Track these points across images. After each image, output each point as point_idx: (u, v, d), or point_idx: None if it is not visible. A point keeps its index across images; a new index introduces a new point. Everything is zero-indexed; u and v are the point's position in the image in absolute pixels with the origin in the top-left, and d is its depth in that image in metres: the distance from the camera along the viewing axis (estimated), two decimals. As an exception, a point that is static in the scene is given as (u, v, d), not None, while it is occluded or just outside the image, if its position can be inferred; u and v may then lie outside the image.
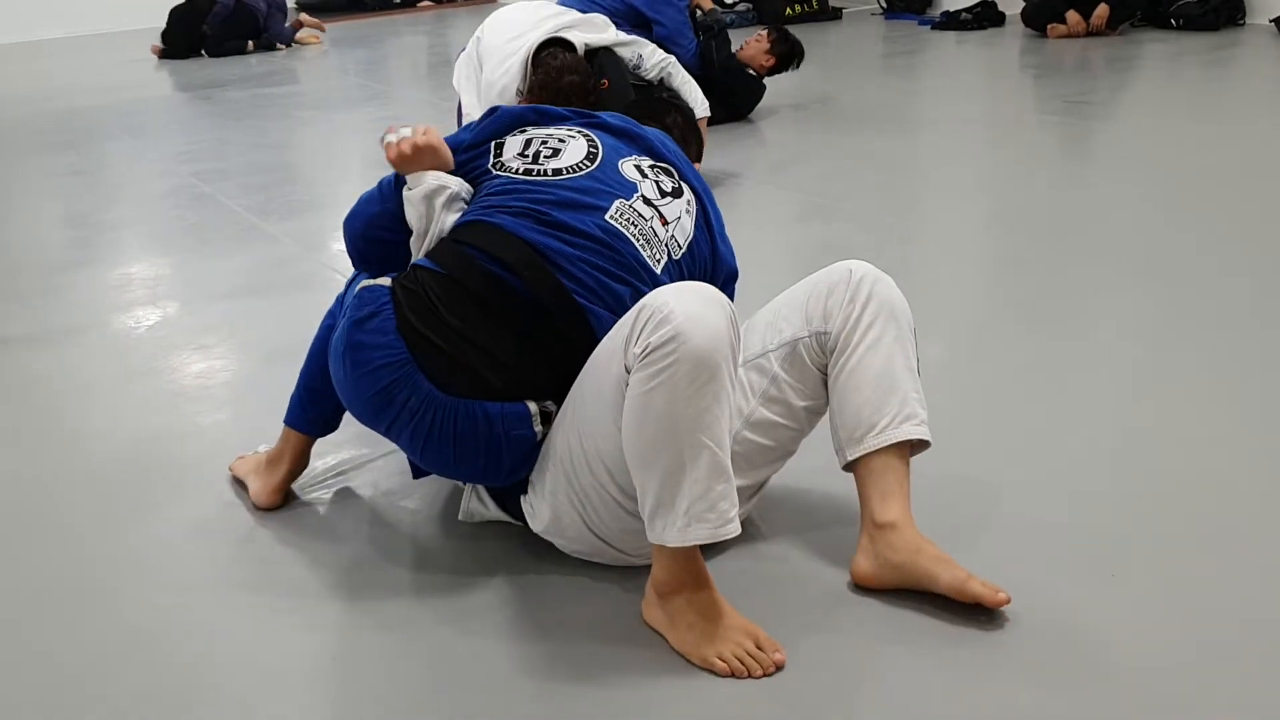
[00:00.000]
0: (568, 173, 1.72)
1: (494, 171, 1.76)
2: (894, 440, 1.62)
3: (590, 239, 1.64)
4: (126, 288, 3.26)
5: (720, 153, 4.23)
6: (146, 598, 1.73)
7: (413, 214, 1.73)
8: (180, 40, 8.70)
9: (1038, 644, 1.48)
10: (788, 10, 8.37)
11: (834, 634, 1.54)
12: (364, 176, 4.20)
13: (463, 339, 1.58)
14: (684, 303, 1.43)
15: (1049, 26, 6.85)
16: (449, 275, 1.62)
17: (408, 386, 1.58)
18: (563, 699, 1.45)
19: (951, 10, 7.76)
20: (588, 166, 1.73)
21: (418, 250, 1.73)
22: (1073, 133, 4.56)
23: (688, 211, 1.78)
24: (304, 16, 9.51)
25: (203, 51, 8.73)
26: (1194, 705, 1.37)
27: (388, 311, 1.60)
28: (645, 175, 1.77)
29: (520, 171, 1.73)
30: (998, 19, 7.57)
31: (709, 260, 1.81)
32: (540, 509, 1.68)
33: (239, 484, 2.02)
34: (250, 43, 8.80)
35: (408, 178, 1.75)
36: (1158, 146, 4.18)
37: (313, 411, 1.92)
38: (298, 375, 1.94)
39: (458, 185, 1.75)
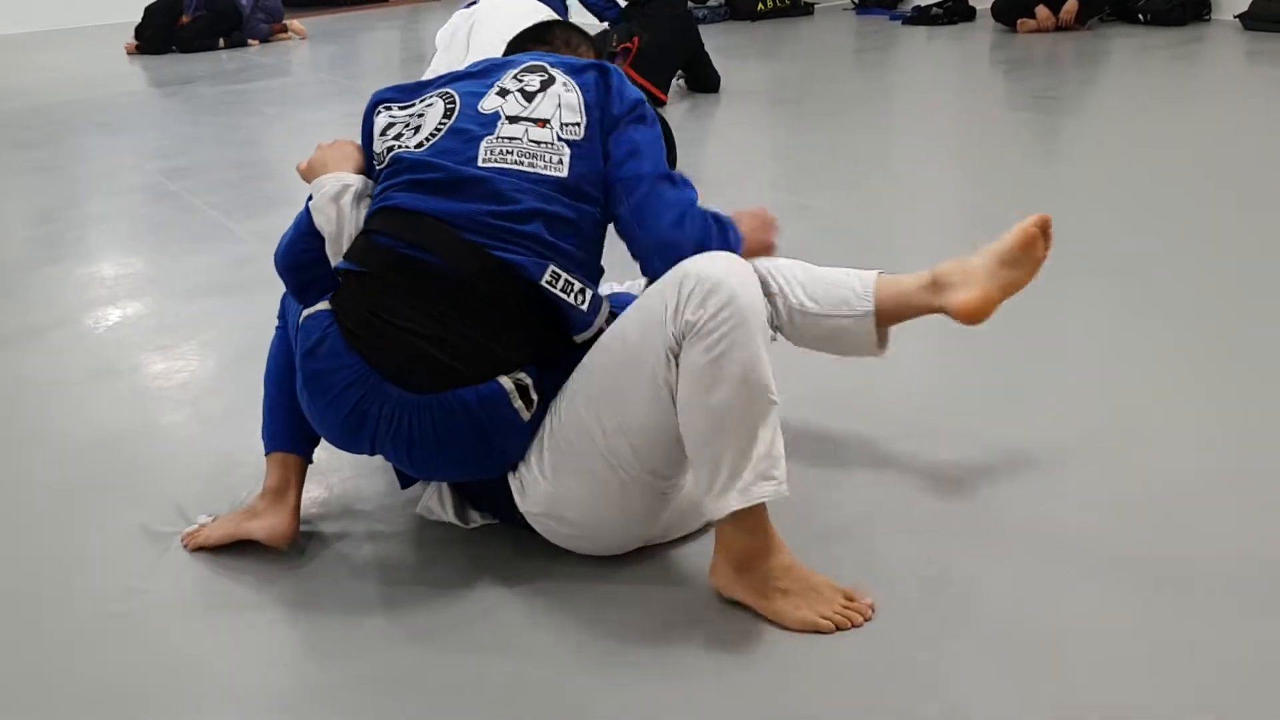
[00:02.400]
0: (428, 141, 1.69)
1: (375, 162, 1.76)
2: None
3: (476, 191, 1.61)
4: (89, 287, 3.24)
5: (690, 148, 4.24)
6: (99, 600, 1.73)
7: (322, 220, 1.72)
8: (158, 34, 8.63)
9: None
10: (759, 6, 8.39)
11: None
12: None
13: (410, 334, 1.55)
14: (721, 267, 1.49)
15: (1018, 21, 6.90)
16: (370, 274, 1.61)
17: (377, 398, 1.57)
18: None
19: (922, 5, 7.80)
20: (445, 124, 1.70)
21: (335, 255, 1.71)
22: (1041, 127, 4.59)
23: (565, 89, 1.71)
24: (294, 24, 9.44)
25: (174, 47, 8.68)
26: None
27: (334, 334, 1.59)
28: (508, 92, 1.72)
29: (388, 152, 1.71)
30: (968, 14, 7.62)
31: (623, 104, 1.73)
32: (535, 489, 1.64)
33: (225, 546, 1.83)
34: (221, 39, 8.76)
35: (311, 188, 1.75)
36: (1125, 140, 4.21)
37: (297, 430, 1.82)
38: (263, 402, 1.86)
39: (360, 182, 1.74)
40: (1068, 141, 4.39)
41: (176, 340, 2.78)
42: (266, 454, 1.84)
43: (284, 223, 2.74)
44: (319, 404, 1.62)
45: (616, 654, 1.52)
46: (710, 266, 1.49)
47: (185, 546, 1.83)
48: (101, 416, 2.37)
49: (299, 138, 5.39)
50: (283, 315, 1.86)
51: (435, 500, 1.82)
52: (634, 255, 1.68)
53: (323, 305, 1.64)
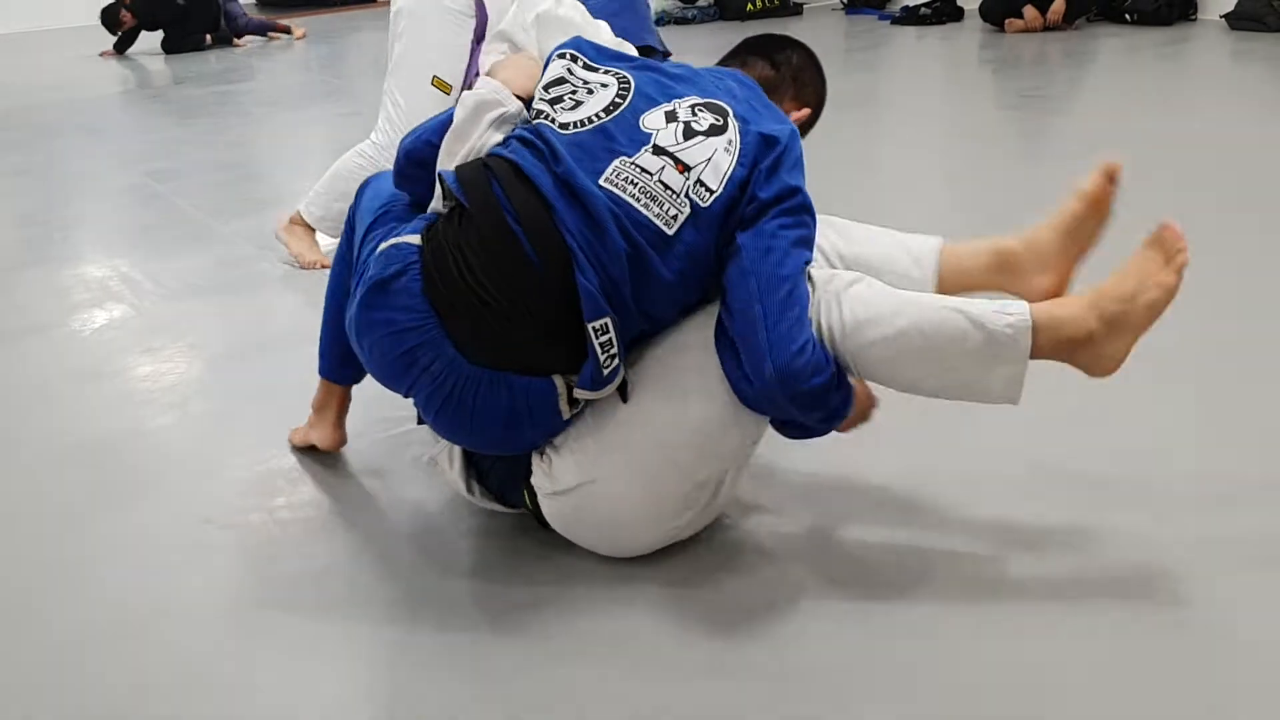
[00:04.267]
0: (574, 127, 1.60)
1: (533, 107, 1.67)
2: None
3: (584, 204, 1.52)
4: (75, 289, 3.21)
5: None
6: (85, 606, 1.71)
7: (460, 114, 1.65)
8: (153, 8, 8.50)
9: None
10: (749, 6, 8.40)
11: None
12: (318, 175, 4.17)
13: (480, 297, 1.49)
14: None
15: (1006, 21, 6.91)
16: (471, 216, 1.52)
17: (433, 349, 1.51)
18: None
19: (911, 5, 7.81)
20: (601, 119, 1.61)
21: (449, 159, 1.63)
22: (1028, 126, 4.60)
23: (728, 147, 1.59)
24: (296, 29, 9.41)
25: (162, 47, 8.64)
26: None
27: (414, 271, 1.52)
28: (675, 119, 1.61)
29: (540, 116, 1.64)
30: (956, 14, 7.63)
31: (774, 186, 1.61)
32: (566, 471, 1.62)
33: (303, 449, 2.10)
34: (208, 36, 8.71)
35: (481, 78, 1.70)
36: (1112, 139, 4.21)
37: (341, 361, 1.94)
38: (320, 327, 1.97)
39: (516, 108, 1.66)
40: (1055, 140, 4.40)
41: (164, 342, 2.76)
42: (319, 373, 2.00)
43: (273, 224, 2.74)
44: (374, 335, 1.55)
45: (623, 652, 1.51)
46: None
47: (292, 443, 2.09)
48: (89, 419, 2.35)
49: (286, 139, 5.37)
50: (350, 229, 1.80)
51: (445, 457, 1.80)
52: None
53: (413, 238, 1.55)
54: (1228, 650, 1.45)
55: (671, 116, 1.61)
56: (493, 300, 1.50)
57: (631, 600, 1.62)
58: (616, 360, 1.54)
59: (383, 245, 1.57)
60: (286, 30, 9.21)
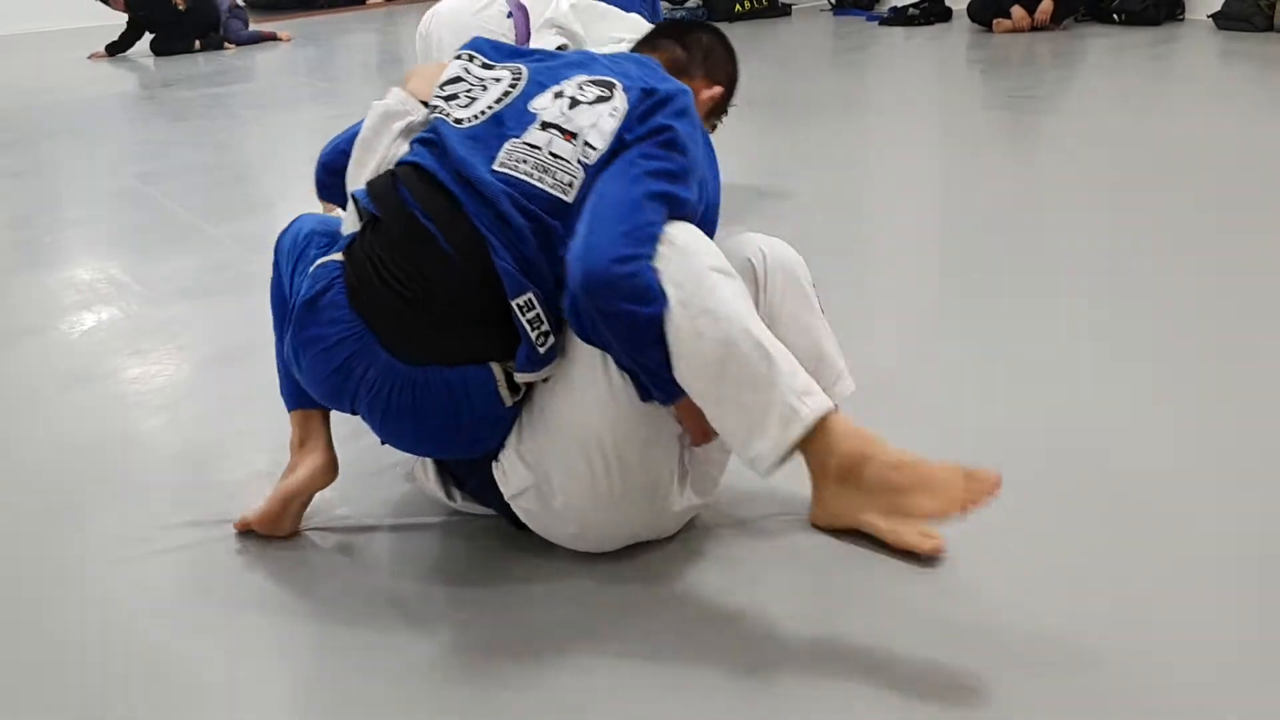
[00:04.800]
0: (469, 122, 1.64)
1: (430, 105, 1.71)
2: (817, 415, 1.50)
3: (484, 191, 1.54)
4: (64, 292, 3.21)
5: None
6: (76, 608, 1.71)
7: (368, 124, 1.69)
8: (150, 15, 8.49)
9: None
10: (737, 7, 8.41)
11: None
12: (310, 177, 4.17)
13: (409, 304, 1.53)
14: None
15: (994, 21, 6.94)
16: (383, 223, 1.57)
17: (365, 357, 1.55)
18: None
19: (899, 5, 7.83)
20: (493, 109, 1.65)
21: (359, 170, 1.67)
22: (1016, 126, 4.61)
23: (612, 114, 1.61)
24: (281, 33, 9.41)
25: (151, 48, 8.62)
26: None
27: (339, 286, 1.56)
28: (561, 96, 1.64)
29: (437, 112, 1.67)
30: (944, 14, 7.65)
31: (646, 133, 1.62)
32: (516, 473, 1.63)
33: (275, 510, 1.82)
34: (198, 41, 8.71)
35: (391, 89, 1.72)
36: (1100, 139, 4.23)
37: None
38: (276, 359, 1.88)
39: (422, 115, 1.69)
40: (1043, 140, 4.41)
41: (154, 345, 2.76)
42: (288, 411, 1.84)
43: (262, 226, 2.76)
44: (309, 353, 1.59)
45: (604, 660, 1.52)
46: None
47: (238, 530, 1.82)
48: (78, 422, 2.35)
49: (276, 141, 5.37)
50: (277, 269, 1.84)
51: (420, 468, 1.82)
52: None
53: (335, 256, 1.60)
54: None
55: (559, 95, 1.65)
56: (416, 297, 1.52)
57: (607, 599, 1.63)
58: (551, 338, 1.54)
59: (313, 267, 1.62)
60: (273, 37, 9.21)
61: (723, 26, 7.73)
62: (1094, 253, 2.96)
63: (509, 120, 1.63)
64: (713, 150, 1.72)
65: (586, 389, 1.57)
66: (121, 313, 3.01)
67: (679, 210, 1.55)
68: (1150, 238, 3.05)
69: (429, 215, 1.54)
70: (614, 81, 1.66)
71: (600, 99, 1.63)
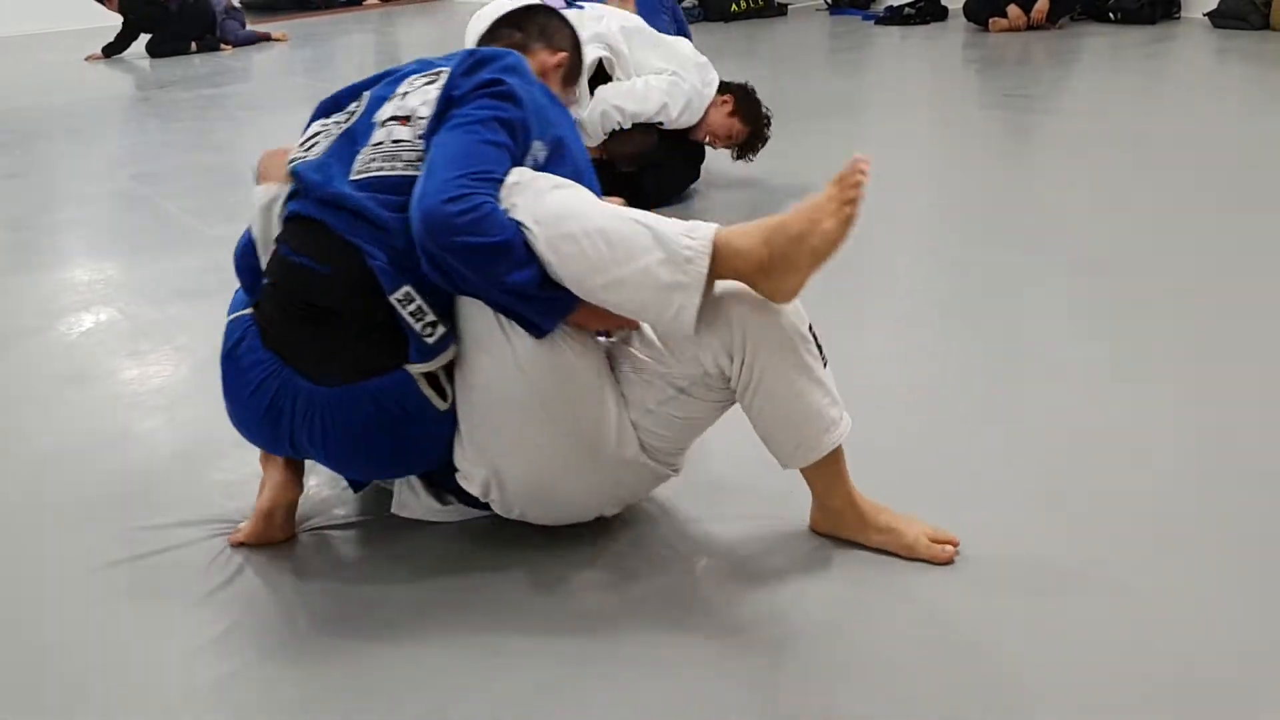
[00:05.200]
0: (323, 152, 1.71)
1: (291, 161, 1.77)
2: (821, 455, 1.66)
3: (348, 202, 1.60)
4: (61, 293, 3.21)
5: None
6: (71, 608, 1.71)
7: (254, 229, 1.78)
8: (144, 17, 8.49)
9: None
10: (733, 7, 8.40)
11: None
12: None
13: (314, 325, 1.60)
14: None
15: (990, 20, 6.94)
16: (275, 283, 1.67)
17: (289, 390, 1.62)
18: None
19: (895, 5, 7.84)
20: (337, 135, 1.72)
21: (264, 263, 1.75)
22: (1012, 125, 4.62)
23: (432, 82, 1.69)
24: (278, 33, 9.41)
25: (147, 50, 8.62)
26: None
27: (252, 333, 1.66)
28: (394, 96, 1.71)
29: (297, 162, 1.73)
30: (940, 13, 7.66)
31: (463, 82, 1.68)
32: (472, 472, 1.67)
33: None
34: (194, 43, 8.70)
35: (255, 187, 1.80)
36: (1096, 137, 4.24)
37: None
38: None
39: (289, 189, 1.74)
40: (1039, 139, 4.42)
41: (151, 345, 2.76)
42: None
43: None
44: (239, 400, 1.68)
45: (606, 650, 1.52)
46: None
47: (231, 545, 1.83)
48: (75, 423, 2.35)
49: (272, 142, 5.34)
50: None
51: (408, 493, 1.82)
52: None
53: (245, 311, 1.70)
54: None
55: (403, 95, 1.71)
56: (311, 319, 1.60)
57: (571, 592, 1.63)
58: (440, 327, 1.58)
59: (228, 320, 1.72)
60: (270, 38, 9.21)
61: (718, 26, 7.71)
62: (1091, 251, 2.97)
63: (358, 136, 1.70)
64: (569, 116, 1.75)
65: (497, 364, 1.59)
66: (119, 313, 3.01)
67: (517, 154, 1.60)
68: (1147, 236, 3.06)
69: (298, 251, 1.63)
70: (441, 70, 1.71)
71: (429, 83, 1.70)
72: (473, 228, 1.48)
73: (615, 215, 1.53)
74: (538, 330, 1.56)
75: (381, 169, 1.62)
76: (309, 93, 6.79)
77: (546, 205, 1.53)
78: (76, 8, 10.46)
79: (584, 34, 3.39)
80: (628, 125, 3.38)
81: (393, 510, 1.85)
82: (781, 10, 8.66)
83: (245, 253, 1.81)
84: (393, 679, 1.50)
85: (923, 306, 2.76)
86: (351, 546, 1.83)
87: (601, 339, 1.67)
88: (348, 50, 8.88)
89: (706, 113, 3.55)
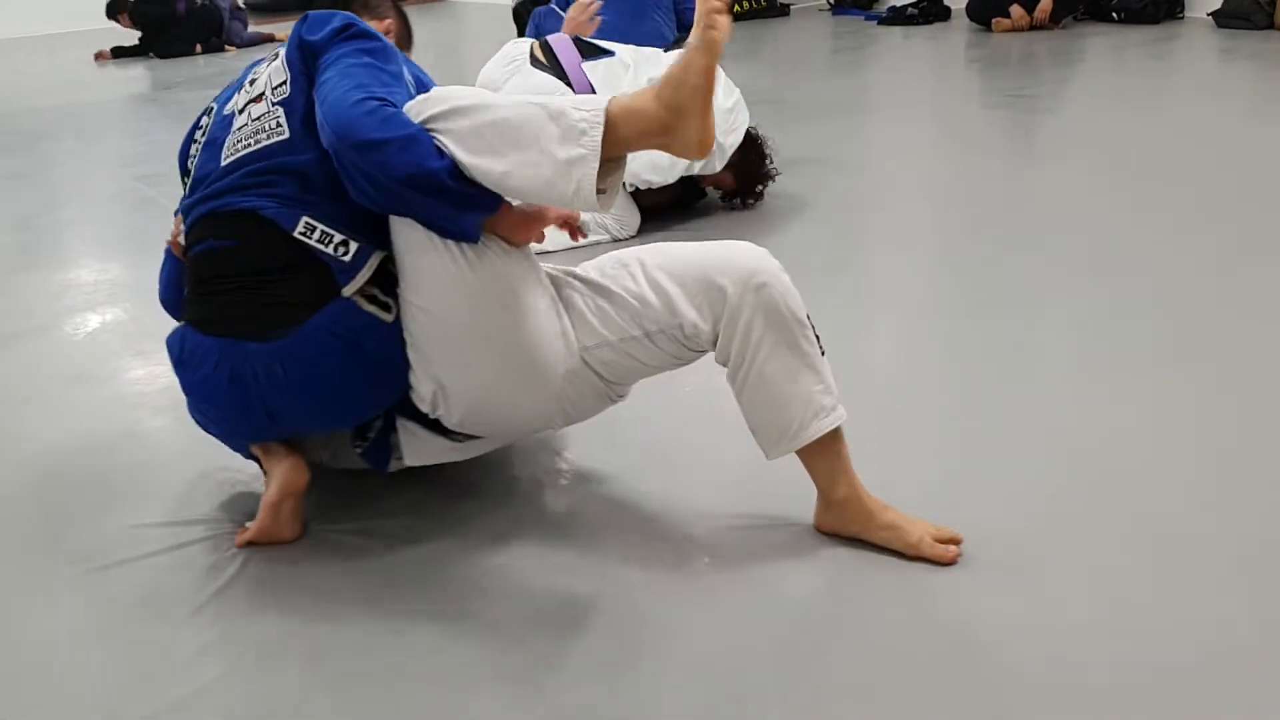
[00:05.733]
0: (191, 161, 1.87)
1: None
2: (808, 441, 1.68)
3: (222, 188, 1.72)
4: (66, 293, 3.23)
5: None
6: (77, 604, 1.72)
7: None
8: (154, 22, 8.53)
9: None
10: (736, 7, 8.41)
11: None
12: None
13: (238, 304, 1.68)
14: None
15: (993, 20, 6.94)
16: (192, 286, 1.78)
17: (245, 360, 1.66)
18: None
19: (898, 5, 7.84)
20: (202, 139, 1.85)
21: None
22: (1015, 125, 4.62)
23: (274, 61, 1.81)
24: (281, 34, 9.45)
25: (151, 53, 8.64)
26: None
27: (189, 331, 1.74)
28: (245, 87, 1.82)
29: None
30: (943, 13, 7.66)
31: (303, 51, 1.78)
32: (421, 389, 1.70)
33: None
34: (198, 45, 8.73)
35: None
36: (1099, 137, 4.24)
37: None
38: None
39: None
40: (1042, 139, 4.42)
41: (156, 345, 2.75)
42: (250, 452, 1.89)
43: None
44: (202, 393, 1.74)
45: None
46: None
47: (238, 545, 1.84)
48: (81, 423, 2.36)
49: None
50: None
51: (413, 441, 1.81)
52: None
53: (176, 326, 1.82)
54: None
55: (247, 90, 1.82)
56: (236, 286, 1.68)
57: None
58: (349, 244, 1.65)
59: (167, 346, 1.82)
60: (274, 39, 9.26)
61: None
62: (1094, 251, 2.97)
63: (218, 134, 1.81)
64: (419, 68, 1.83)
65: (433, 278, 1.64)
66: (124, 313, 3.02)
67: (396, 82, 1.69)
68: (1150, 236, 3.06)
69: (198, 243, 1.74)
70: (278, 52, 1.83)
71: (270, 62, 1.82)
72: (382, 126, 1.55)
73: (514, 103, 1.58)
74: (463, 235, 1.61)
75: (249, 145, 1.72)
76: (313, 93, 6.81)
77: (450, 105, 1.59)
78: (83, 9, 10.50)
79: (609, 81, 3.36)
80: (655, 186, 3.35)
81: (406, 462, 1.83)
82: (784, 11, 8.66)
83: (172, 291, 1.98)
84: (397, 681, 1.51)
85: (925, 307, 2.77)
86: (356, 548, 1.83)
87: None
88: (352, 51, 8.88)
89: None
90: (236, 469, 2.08)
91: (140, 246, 3.70)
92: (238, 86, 1.86)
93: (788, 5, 8.73)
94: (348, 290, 1.65)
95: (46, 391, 2.55)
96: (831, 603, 1.61)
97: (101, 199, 4.42)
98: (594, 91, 3.33)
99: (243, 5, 9.36)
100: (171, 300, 2.00)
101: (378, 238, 1.67)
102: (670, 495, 1.89)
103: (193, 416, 1.87)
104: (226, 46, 8.88)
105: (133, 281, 3.33)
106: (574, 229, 1.89)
